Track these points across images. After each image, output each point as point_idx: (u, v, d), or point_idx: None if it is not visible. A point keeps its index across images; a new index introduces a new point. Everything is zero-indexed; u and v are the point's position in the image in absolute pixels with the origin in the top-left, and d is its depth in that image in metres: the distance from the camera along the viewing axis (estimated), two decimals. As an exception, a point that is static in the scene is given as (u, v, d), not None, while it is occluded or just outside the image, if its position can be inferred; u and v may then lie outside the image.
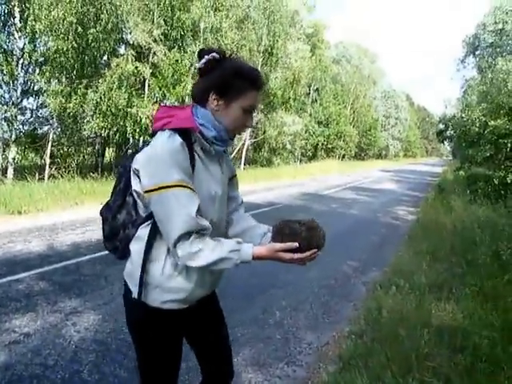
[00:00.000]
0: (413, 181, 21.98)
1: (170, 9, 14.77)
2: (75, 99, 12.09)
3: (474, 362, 2.63)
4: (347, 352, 3.06)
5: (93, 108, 12.51)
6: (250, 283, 4.61)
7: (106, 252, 1.64)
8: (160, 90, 15.23)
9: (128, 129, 13.26)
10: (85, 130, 13.19)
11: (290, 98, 22.40)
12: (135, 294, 1.45)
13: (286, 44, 22.04)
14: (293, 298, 4.32)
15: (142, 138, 14.63)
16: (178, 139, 1.35)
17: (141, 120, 13.33)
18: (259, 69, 21.08)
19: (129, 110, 13.01)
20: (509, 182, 8.68)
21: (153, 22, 14.27)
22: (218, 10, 16.82)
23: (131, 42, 13.95)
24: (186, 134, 1.38)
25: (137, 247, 1.46)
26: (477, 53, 24.44)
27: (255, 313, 3.90)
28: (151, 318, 1.49)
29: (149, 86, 14.99)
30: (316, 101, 30.40)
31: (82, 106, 12.40)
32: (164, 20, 14.73)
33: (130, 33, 13.60)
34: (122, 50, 15.02)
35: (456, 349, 2.87)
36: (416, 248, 5.99)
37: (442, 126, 11.01)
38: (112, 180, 12.54)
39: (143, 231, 1.45)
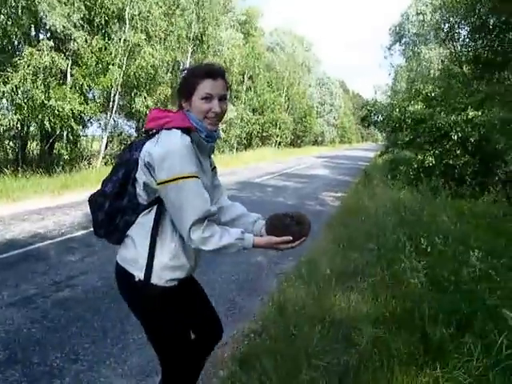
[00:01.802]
0: (345, 166, 22.47)
1: (92, -8, 13.93)
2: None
3: (362, 359, 2.55)
4: (242, 353, 2.90)
5: (5, 101, 11.58)
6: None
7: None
8: (84, 79, 14.36)
9: (46, 122, 12.43)
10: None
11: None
12: (141, 277, 1.62)
13: (216, 31, 21.62)
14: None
15: (65, 131, 13.84)
16: (188, 137, 1.57)
17: (60, 112, 12.50)
18: (189, 56, 20.71)
19: (47, 102, 12.15)
20: (427, 165, 8.95)
21: (72, 5, 13.31)
22: (147, -4, 16.02)
23: (48, 27, 12.98)
24: (187, 133, 1.59)
25: (141, 232, 1.64)
26: (402, 41, 25.24)
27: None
28: (157, 296, 1.66)
29: (71, 75, 14.12)
30: (250, 89, 30.19)
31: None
32: (85, 5, 13.82)
33: (46, 16, 12.52)
34: (41, 35, 13.99)
35: (351, 344, 2.79)
36: (334, 235, 5.98)
37: (365, 112, 11.19)
38: (38, 175, 11.89)
39: (145, 218, 1.63)
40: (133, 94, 16.71)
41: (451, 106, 9.39)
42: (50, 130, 13.07)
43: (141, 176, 1.60)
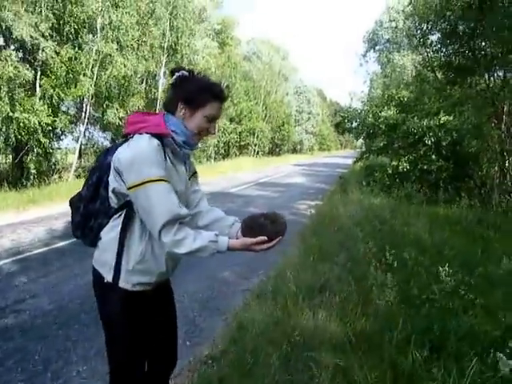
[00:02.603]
0: (323, 173, 22.33)
1: (60, 0, 13.55)
2: None
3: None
4: (195, 385, 2.61)
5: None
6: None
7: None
8: (54, 90, 13.94)
9: (12, 136, 11.99)
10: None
11: (197, 95, 21.72)
12: (109, 279, 1.64)
13: (190, 40, 21.37)
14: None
15: (33, 144, 13.32)
16: (156, 141, 1.57)
17: (26, 125, 12.06)
18: (163, 66, 20.40)
19: (12, 115, 11.71)
20: (401, 171, 8.80)
21: (40, 14, 12.91)
22: (118, 5, 15.71)
23: (14, 37, 12.52)
24: (159, 138, 1.59)
25: (111, 235, 1.65)
26: (377, 48, 25.39)
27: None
28: (123, 300, 1.66)
29: (40, 86, 13.70)
30: (226, 98, 29.94)
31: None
32: (54, 13, 13.44)
33: (11, 25, 12.05)
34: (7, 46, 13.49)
35: (311, 374, 2.50)
36: (305, 247, 5.73)
37: (339, 118, 11.01)
38: (4, 190, 11.66)
39: (115, 221, 1.65)
40: (105, 106, 16.33)
41: (424, 111, 9.30)
42: (15, 143, 12.64)
43: (112, 180, 1.62)
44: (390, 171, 9.20)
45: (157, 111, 20.19)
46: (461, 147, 8.45)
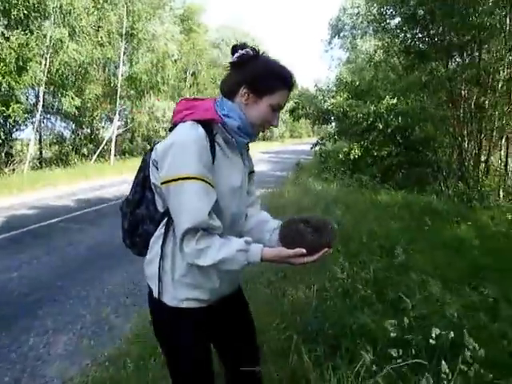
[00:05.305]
0: (288, 161, 22.14)
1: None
2: None
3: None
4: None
5: None
6: (27, 298, 3.81)
7: None
8: (3, 78, 13.32)
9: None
10: None
11: (158, 82, 21.15)
12: (155, 294, 1.42)
13: (148, 25, 20.72)
14: (67, 315, 3.57)
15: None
16: (200, 129, 1.32)
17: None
18: (123, 52, 19.74)
19: None
20: (351, 157, 8.69)
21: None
22: (69, -11, 15.03)
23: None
24: (207, 125, 1.35)
25: (156, 245, 1.42)
26: (341, 34, 25.35)
27: (5, 341, 3.13)
28: (171, 318, 1.43)
29: (-11, 73, 13.06)
30: (193, 85, 29.56)
31: None
32: (-1, -4, 12.79)
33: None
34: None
35: None
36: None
37: (294, 104, 10.80)
38: None
39: (163, 229, 1.41)
40: (59, 94, 15.76)
41: (377, 97, 9.20)
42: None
43: (152, 177, 1.40)
44: (343, 158, 9.08)
45: (117, 99, 19.69)
46: (412, 131, 8.37)
